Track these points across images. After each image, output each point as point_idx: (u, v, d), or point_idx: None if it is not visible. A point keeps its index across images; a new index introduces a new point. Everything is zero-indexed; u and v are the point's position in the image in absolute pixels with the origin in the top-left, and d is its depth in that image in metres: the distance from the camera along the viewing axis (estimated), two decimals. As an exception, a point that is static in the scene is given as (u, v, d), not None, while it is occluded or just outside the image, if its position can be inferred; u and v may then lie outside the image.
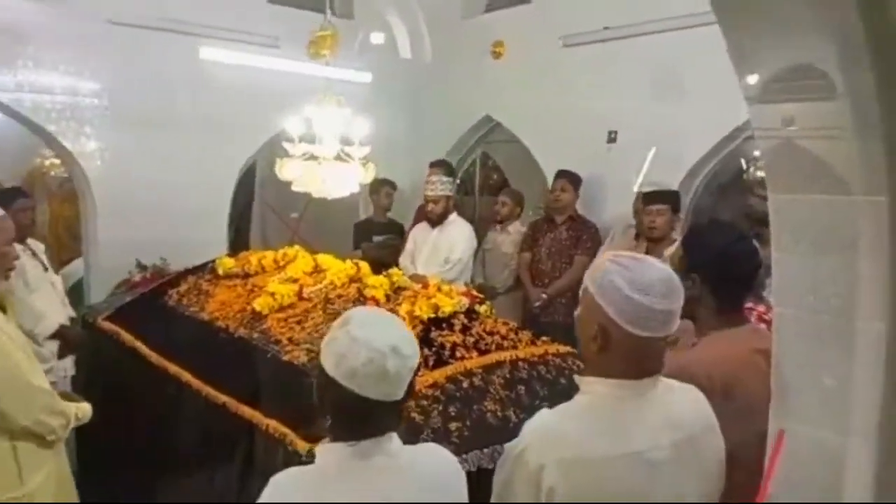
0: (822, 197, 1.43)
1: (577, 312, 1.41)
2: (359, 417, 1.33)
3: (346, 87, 4.06)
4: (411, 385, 1.37)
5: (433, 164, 4.93)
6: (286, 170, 3.20)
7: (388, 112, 4.98)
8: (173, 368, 2.77)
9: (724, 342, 1.69)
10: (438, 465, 1.46)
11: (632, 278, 1.29)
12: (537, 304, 4.20)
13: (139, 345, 3.01)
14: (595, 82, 4.62)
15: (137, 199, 4.52)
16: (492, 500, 1.40)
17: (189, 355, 2.84)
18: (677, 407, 1.38)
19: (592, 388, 1.36)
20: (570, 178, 4.37)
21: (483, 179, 8.46)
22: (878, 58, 1.20)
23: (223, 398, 2.50)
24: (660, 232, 3.51)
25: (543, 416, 1.38)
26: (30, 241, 3.63)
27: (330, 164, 3.19)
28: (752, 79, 1.52)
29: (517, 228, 4.70)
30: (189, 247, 4.27)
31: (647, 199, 3.66)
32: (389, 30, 5.52)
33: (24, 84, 4.30)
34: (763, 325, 2.08)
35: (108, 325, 3.29)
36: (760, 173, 6.14)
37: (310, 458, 1.73)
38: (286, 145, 3.26)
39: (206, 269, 3.72)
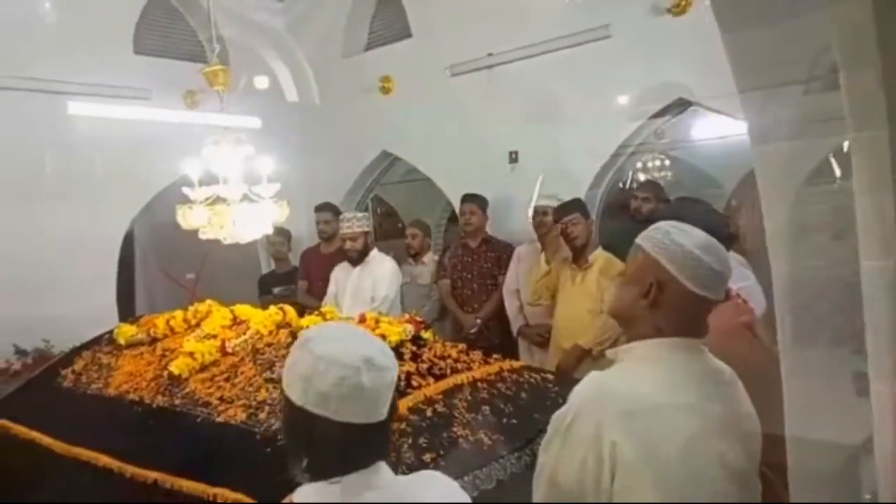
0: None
1: (622, 275, 1.40)
2: (340, 449, 1.14)
3: (234, 133, 3.83)
4: (393, 402, 1.20)
5: (319, 208, 4.76)
6: (189, 217, 2.92)
7: (279, 157, 4.77)
8: (86, 454, 2.39)
9: (714, 319, 1.66)
10: (439, 495, 1.27)
11: (693, 237, 1.31)
12: (472, 330, 4.10)
13: (37, 435, 2.58)
14: (488, 107, 4.68)
15: (7, 277, 3.98)
16: (542, 484, 1.30)
17: (102, 437, 2.48)
18: (718, 367, 1.37)
19: (635, 352, 1.33)
20: (476, 201, 4.36)
21: (376, 225, 8.39)
22: None
23: (153, 475, 2.18)
24: (580, 240, 3.53)
25: (589, 381, 1.32)
26: None
27: (239, 205, 2.96)
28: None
29: (431, 259, 4.61)
30: (74, 324, 3.79)
31: (558, 213, 3.70)
32: (272, 74, 5.34)
33: None
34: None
35: (-7, 421, 2.81)
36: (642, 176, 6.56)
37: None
38: (186, 191, 2.99)
39: (102, 341, 3.32)
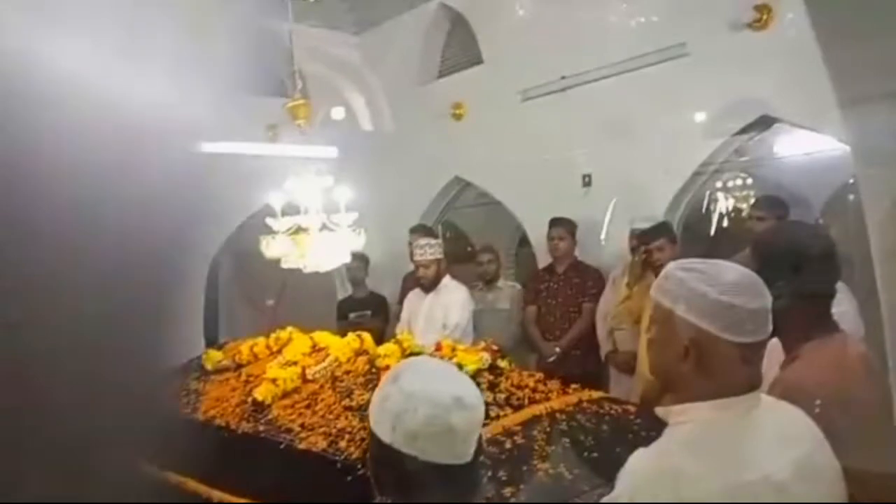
0: None
1: (650, 335, 1.26)
2: (427, 490, 1.12)
3: (312, 164, 3.96)
4: (479, 443, 1.17)
5: (413, 230, 4.86)
6: (273, 246, 3.03)
7: (355, 185, 4.91)
8: (174, 478, 2.48)
9: (827, 352, 1.52)
10: None
11: (715, 281, 1.15)
12: (552, 358, 4.03)
13: (132, 457, 2.70)
14: (561, 130, 4.65)
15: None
16: None
17: (189, 461, 2.56)
18: (787, 423, 1.22)
19: (687, 416, 1.18)
20: (565, 226, 4.29)
21: (446, 250, 8.41)
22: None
23: (239, 500, 2.24)
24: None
25: (642, 459, 1.19)
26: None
27: (318, 234, 3.04)
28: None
29: (505, 283, 4.58)
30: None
31: (643, 238, 3.60)
32: (348, 104, 5.50)
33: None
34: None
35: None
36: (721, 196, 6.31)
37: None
38: (269, 221, 3.10)
39: (190, 367, 3.46)
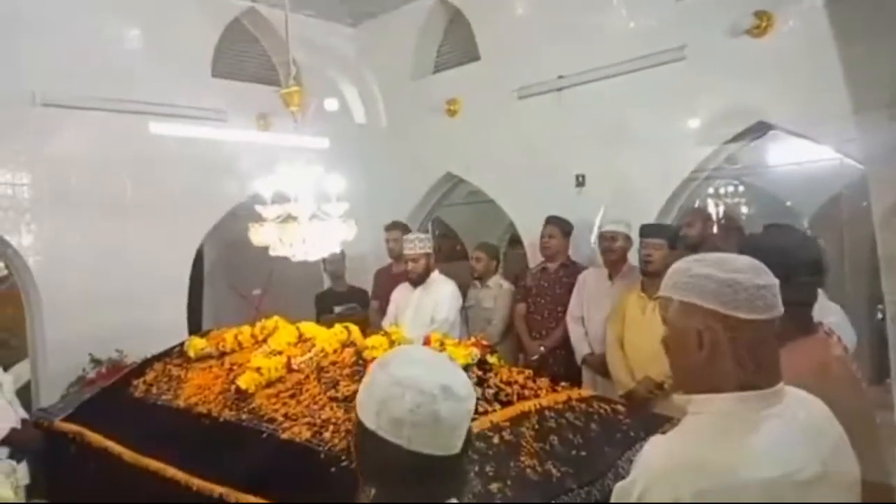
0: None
1: (664, 336, 1.23)
2: (410, 480, 1.06)
3: (303, 154, 3.91)
4: (469, 435, 1.12)
5: (389, 227, 4.82)
6: (261, 234, 2.97)
7: (346, 177, 4.85)
8: (154, 464, 2.43)
9: (800, 353, 1.48)
10: None
11: (719, 264, 1.16)
12: (534, 357, 3.99)
13: (110, 443, 2.65)
14: (556, 129, 4.63)
15: (86, 290, 4.16)
16: None
17: (170, 448, 2.52)
18: (812, 420, 1.18)
19: (708, 407, 1.15)
20: (558, 224, 4.25)
21: (435, 247, 8.37)
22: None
23: (219, 490, 2.20)
24: (655, 266, 3.34)
25: (660, 446, 1.16)
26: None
27: (308, 223, 2.99)
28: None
29: (497, 282, 4.55)
30: (147, 336, 3.92)
31: (644, 231, 3.57)
32: (341, 96, 5.45)
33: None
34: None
35: (69, 427, 2.91)
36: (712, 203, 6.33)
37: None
38: (259, 208, 3.05)
39: (172, 353, 3.41)
